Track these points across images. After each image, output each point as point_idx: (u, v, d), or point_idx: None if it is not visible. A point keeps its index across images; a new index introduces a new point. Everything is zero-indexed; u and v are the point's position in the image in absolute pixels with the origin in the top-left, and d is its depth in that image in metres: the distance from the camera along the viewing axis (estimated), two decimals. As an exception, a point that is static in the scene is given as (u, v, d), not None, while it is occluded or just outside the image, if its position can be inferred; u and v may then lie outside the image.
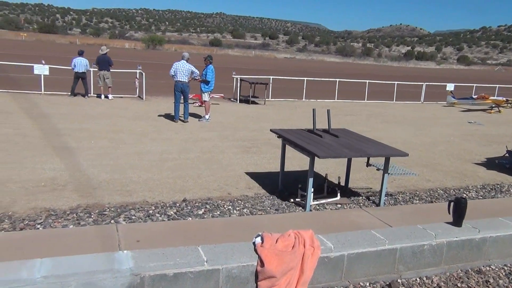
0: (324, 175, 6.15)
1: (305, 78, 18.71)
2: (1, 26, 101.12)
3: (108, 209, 4.91)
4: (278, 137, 6.10)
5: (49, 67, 14.33)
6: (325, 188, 5.84)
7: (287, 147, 5.96)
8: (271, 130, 6.28)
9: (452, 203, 4.20)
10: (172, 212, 4.95)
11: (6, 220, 4.43)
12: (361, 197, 5.96)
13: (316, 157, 4.98)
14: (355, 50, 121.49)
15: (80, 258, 2.91)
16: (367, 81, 19.97)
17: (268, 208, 5.31)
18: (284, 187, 6.03)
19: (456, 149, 9.61)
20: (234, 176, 6.59)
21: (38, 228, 4.30)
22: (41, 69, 14.13)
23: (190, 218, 4.82)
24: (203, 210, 5.10)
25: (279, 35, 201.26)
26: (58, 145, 7.64)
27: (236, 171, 6.87)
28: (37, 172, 6.06)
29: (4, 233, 4.07)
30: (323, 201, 5.60)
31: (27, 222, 4.43)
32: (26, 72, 15.91)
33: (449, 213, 4.20)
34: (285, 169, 6.19)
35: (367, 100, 19.02)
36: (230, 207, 5.26)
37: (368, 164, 6.08)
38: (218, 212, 5.06)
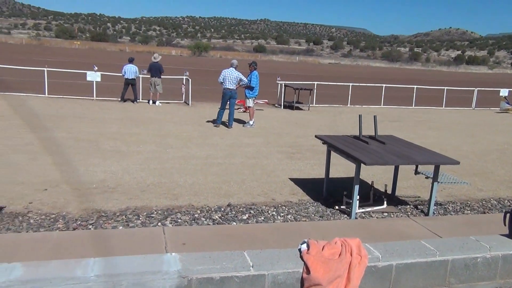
0: (370, 183, 6.02)
1: (350, 84, 18.46)
2: (56, 35, 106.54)
3: (155, 212, 5.03)
4: (323, 143, 6.05)
5: (101, 74, 14.92)
6: (371, 195, 5.72)
7: (332, 153, 5.90)
8: (316, 136, 6.24)
9: (508, 214, 4.00)
10: (217, 217, 5.01)
11: (60, 220, 4.64)
12: (408, 206, 5.79)
13: (362, 164, 4.90)
14: (402, 55, 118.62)
15: (131, 258, 3.00)
16: (415, 86, 19.44)
17: (313, 215, 5.27)
18: (328, 194, 5.96)
19: (510, 158, 9.16)
20: (278, 181, 6.58)
21: (90, 229, 4.47)
22: (93, 76, 14.74)
23: (235, 223, 4.85)
24: (247, 215, 5.12)
25: (324, 40, 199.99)
26: (108, 149, 7.92)
27: (280, 177, 6.86)
28: (89, 174, 6.31)
29: (59, 233, 4.25)
30: (369, 209, 5.49)
31: (79, 222, 4.62)
32: (79, 79, 16.64)
33: (504, 224, 4.00)
34: (330, 176, 6.12)
35: (414, 106, 18.50)
36: (274, 213, 5.26)
37: (416, 172, 5.91)
38: (262, 218, 5.07)
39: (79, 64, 29.55)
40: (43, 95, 14.23)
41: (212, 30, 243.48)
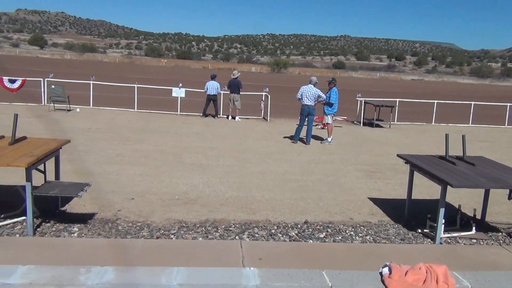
0: (457, 206, 5.67)
1: (435, 101, 17.60)
2: (146, 54, 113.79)
3: (233, 225, 5.13)
4: (405, 162, 5.81)
5: (185, 90, 15.65)
6: (457, 220, 5.37)
7: (415, 173, 5.64)
8: (398, 155, 6.01)
9: None
10: (293, 233, 4.99)
11: (145, 229, 4.89)
12: (500, 234, 5.35)
13: (448, 186, 4.63)
14: (493, 71, 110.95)
15: (211, 270, 3.08)
16: (508, 104, 18.06)
17: (393, 237, 5.06)
18: (410, 216, 5.70)
19: None
20: (356, 200, 6.42)
21: (172, 238, 4.66)
22: (178, 92, 15.52)
23: (311, 241, 4.80)
24: (324, 233, 5.05)
25: (406, 56, 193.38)
26: (190, 162, 8.25)
27: (359, 195, 6.69)
28: (172, 186, 6.61)
29: (144, 240, 4.48)
30: (455, 234, 5.16)
31: (162, 231, 4.84)
32: (166, 94, 17.59)
33: None
34: (412, 197, 5.85)
35: (507, 125, 17.17)
36: (352, 232, 5.13)
37: (510, 197, 5.46)
38: (340, 237, 4.96)
39: (166, 81, 31.24)
40: (133, 110, 15.22)
41: (292, 47, 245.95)
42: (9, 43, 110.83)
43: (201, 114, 15.09)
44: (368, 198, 6.57)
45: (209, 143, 10.25)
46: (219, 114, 15.28)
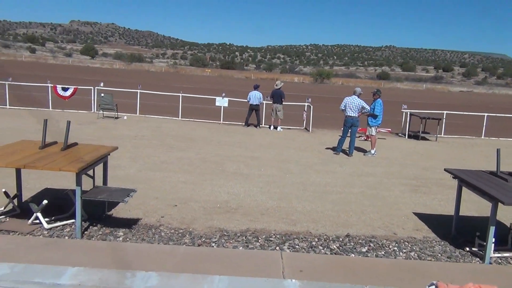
0: (508, 225, 5.40)
1: (486, 114, 16.91)
2: (190, 63, 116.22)
3: (273, 236, 5.12)
4: (453, 177, 5.61)
5: (228, 100, 15.86)
6: (509, 239, 5.12)
7: (463, 189, 5.44)
8: (445, 170, 5.82)
9: None
10: (335, 246, 4.92)
11: (187, 236, 4.97)
12: (557, 256, 5.04)
13: (499, 203, 4.43)
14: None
15: (252, 280, 3.09)
16: None
17: (439, 255, 4.88)
18: (458, 233, 5.48)
19: None
20: (400, 215, 6.26)
21: (213, 246, 4.71)
22: (221, 102, 15.74)
23: (353, 255, 4.72)
24: (366, 248, 4.94)
25: (454, 67, 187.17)
26: (232, 171, 8.32)
27: (403, 210, 6.52)
28: (214, 194, 6.69)
29: (186, 247, 4.56)
30: (506, 254, 4.91)
31: (204, 239, 4.90)
32: (209, 104, 17.88)
33: None
34: (460, 213, 5.63)
35: None
36: (395, 248, 4.99)
37: None
38: (383, 252, 4.85)
39: (209, 90, 31.77)
40: (177, 118, 15.57)
41: (335, 57, 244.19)
42: (63, 53, 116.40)
43: (243, 124, 15.22)
44: (413, 213, 6.39)
45: (251, 153, 10.31)
46: (261, 124, 15.36)
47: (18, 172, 5.38)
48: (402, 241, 5.24)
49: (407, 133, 15.21)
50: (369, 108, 10.84)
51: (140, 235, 4.86)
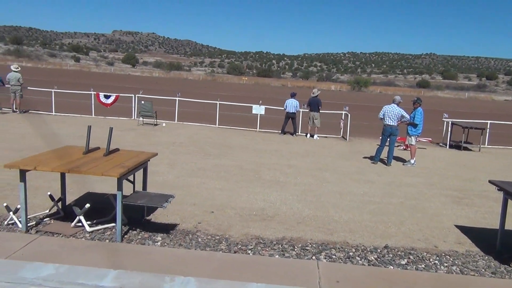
0: (558, 241, 5.14)
1: (533, 124, 16.20)
2: (228, 72, 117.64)
3: (310, 245, 5.08)
4: (498, 189, 5.40)
5: (265, 107, 15.92)
6: (559, 256, 4.87)
7: (509, 202, 5.22)
8: (490, 182, 5.60)
9: None
10: (372, 257, 4.82)
11: (223, 242, 5.00)
12: None
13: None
14: None
15: (288, 289, 3.07)
16: None
17: (483, 270, 4.69)
18: (503, 247, 5.26)
19: None
20: (441, 228, 6.06)
21: (249, 254, 4.72)
22: (258, 109, 15.82)
23: (392, 267, 4.60)
24: (406, 260, 4.81)
25: (499, 75, 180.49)
26: (268, 178, 8.33)
27: (444, 222, 6.31)
28: (250, 201, 6.71)
29: (222, 254, 4.58)
30: (556, 271, 4.66)
31: (240, 246, 4.91)
32: (245, 111, 18.01)
33: None
34: (506, 227, 5.40)
35: None
36: (436, 261, 4.84)
37: None
38: (423, 265, 4.70)
39: (246, 98, 31.99)
40: (214, 126, 15.76)
41: (373, 65, 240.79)
42: (105, 61, 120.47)
43: (280, 132, 15.22)
44: (455, 225, 6.18)
45: (287, 161, 10.29)
46: (298, 132, 15.32)
47: (63, 176, 5.59)
48: (443, 254, 5.07)
49: (448, 143, 14.77)
50: (408, 116, 10.61)
51: (178, 240, 4.93)
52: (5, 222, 5.05)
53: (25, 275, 3.40)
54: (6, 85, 15.65)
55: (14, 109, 15.65)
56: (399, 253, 5.01)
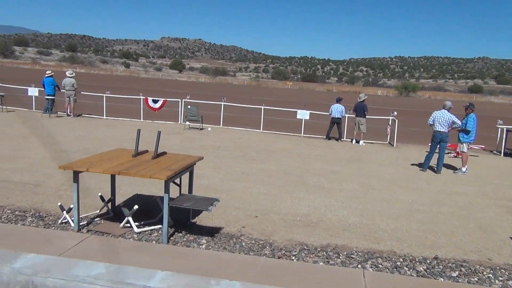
0: None
1: None
2: (272, 77, 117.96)
3: (355, 253, 4.97)
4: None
5: (309, 112, 15.81)
6: None
7: None
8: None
9: None
10: (421, 268, 4.65)
11: (267, 247, 4.99)
12: None
13: None
14: None
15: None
16: None
17: (543, 286, 4.41)
18: None
19: None
20: (495, 239, 5.77)
21: (293, 260, 4.68)
22: (303, 114, 15.74)
23: (442, 279, 4.42)
24: (457, 272, 4.61)
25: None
26: (312, 184, 8.25)
27: (499, 234, 6.00)
28: (294, 206, 6.67)
29: (266, 259, 4.57)
30: None
31: (284, 252, 4.88)
32: (290, 116, 17.97)
33: None
34: None
35: None
36: (490, 275, 4.60)
37: None
38: (476, 279, 4.49)
39: (290, 103, 31.94)
40: (259, 130, 15.82)
41: (422, 69, 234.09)
42: (154, 67, 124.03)
43: (325, 137, 15.06)
44: (510, 238, 5.86)
45: (332, 166, 10.15)
46: (343, 138, 15.10)
47: (113, 178, 5.78)
48: (498, 268, 4.81)
49: (503, 151, 14.07)
50: (460, 123, 10.20)
51: (222, 244, 4.96)
52: (59, 221, 5.27)
53: (78, 272, 3.53)
54: (61, 90, 16.45)
55: (68, 113, 16.39)
56: (450, 264, 4.81)
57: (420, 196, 7.89)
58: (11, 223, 5.18)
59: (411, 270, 4.59)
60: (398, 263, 4.74)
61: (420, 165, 10.76)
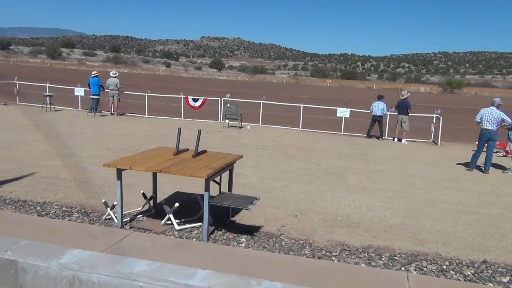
0: None
1: None
2: (311, 74, 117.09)
3: (398, 255, 4.82)
4: None
5: (350, 110, 15.54)
6: None
7: None
8: None
9: None
10: (469, 273, 4.45)
11: (307, 247, 4.93)
12: None
13: None
14: None
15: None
16: None
17: None
18: None
19: None
20: (550, 244, 5.45)
21: (333, 260, 4.59)
22: (343, 112, 15.49)
23: (491, 284, 4.21)
24: (508, 278, 4.38)
25: None
26: (353, 183, 8.09)
27: (554, 238, 5.67)
28: (335, 206, 6.56)
29: (306, 259, 4.51)
30: None
31: (324, 252, 4.80)
32: (330, 114, 17.74)
33: None
34: None
35: None
36: (545, 281, 4.34)
37: None
38: (529, 285, 4.25)
39: (330, 100, 31.58)
40: (298, 129, 15.71)
41: (467, 65, 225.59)
42: (194, 66, 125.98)
43: (365, 135, 14.77)
44: None
45: (373, 165, 9.93)
46: (384, 136, 14.75)
47: (155, 176, 5.88)
48: (553, 274, 4.54)
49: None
50: (510, 120, 9.72)
51: (262, 243, 4.95)
52: (103, 217, 5.42)
53: (121, 269, 3.60)
54: (106, 90, 16.97)
55: (112, 112, 16.88)
56: (500, 269, 4.58)
57: (467, 197, 7.58)
58: (58, 218, 5.38)
59: (457, 274, 4.41)
60: (444, 267, 4.56)
61: (466, 164, 10.36)
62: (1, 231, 4.39)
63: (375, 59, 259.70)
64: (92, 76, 16.89)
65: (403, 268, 4.46)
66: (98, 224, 5.26)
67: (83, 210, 5.75)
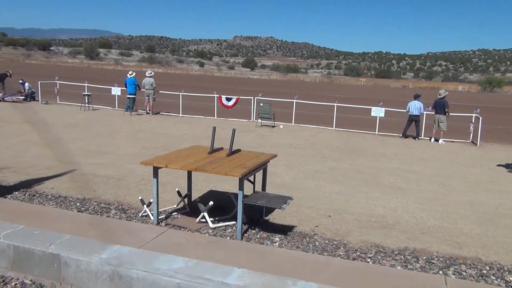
0: None
1: None
2: (345, 73, 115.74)
3: (436, 258, 4.71)
4: None
5: (385, 110, 15.27)
6: None
7: None
8: None
9: None
10: (511, 278, 4.30)
11: (341, 248, 4.88)
12: None
13: None
14: None
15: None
16: None
17: None
18: None
19: None
20: None
21: (368, 262, 4.53)
22: (378, 112, 15.23)
23: (535, 291, 4.05)
24: (553, 285, 4.20)
25: None
26: (388, 184, 7.95)
27: None
28: (369, 207, 6.47)
29: (340, 260, 4.46)
30: None
31: (359, 253, 4.75)
32: (364, 114, 17.49)
33: None
34: None
35: None
36: None
37: None
38: None
39: (364, 100, 31.12)
40: (331, 128, 15.57)
41: (508, 63, 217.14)
42: (227, 66, 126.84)
43: (401, 135, 14.47)
44: None
45: (409, 166, 9.73)
46: (421, 136, 14.41)
47: (189, 174, 5.96)
48: None
49: None
50: (555, 120, 9.32)
51: (295, 243, 4.94)
52: (140, 214, 5.55)
53: (159, 266, 3.68)
54: (142, 89, 17.33)
55: (148, 111, 17.23)
56: (545, 276, 4.40)
57: (508, 200, 7.31)
58: (97, 214, 5.54)
59: (498, 279, 4.27)
60: (484, 271, 4.42)
61: (507, 166, 9.99)
62: (43, 226, 4.56)
63: (410, 57, 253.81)
64: (128, 76, 17.29)
65: (441, 272, 4.36)
66: (135, 220, 5.38)
67: (121, 207, 5.89)
